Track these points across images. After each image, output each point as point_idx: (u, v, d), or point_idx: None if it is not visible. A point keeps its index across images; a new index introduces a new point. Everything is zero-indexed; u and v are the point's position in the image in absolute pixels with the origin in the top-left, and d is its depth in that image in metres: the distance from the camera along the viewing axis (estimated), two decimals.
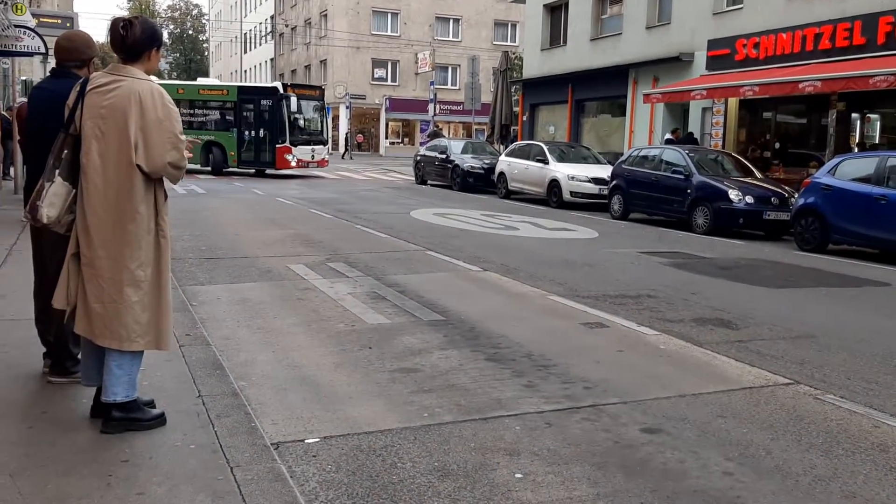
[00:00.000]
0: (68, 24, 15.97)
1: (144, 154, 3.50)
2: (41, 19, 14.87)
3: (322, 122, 27.65)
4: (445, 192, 22.42)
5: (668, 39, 21.58)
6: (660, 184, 15.48)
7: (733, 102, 19.59)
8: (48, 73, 4.68)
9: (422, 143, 35.02)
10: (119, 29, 3.56)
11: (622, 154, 19.18)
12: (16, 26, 12.45)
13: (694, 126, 20.61)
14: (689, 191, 14.62)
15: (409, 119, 52.32)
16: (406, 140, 52.69)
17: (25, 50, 13.12)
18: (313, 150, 26.28)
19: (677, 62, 20.84)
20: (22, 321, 5.01)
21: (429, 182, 25.45)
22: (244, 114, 26.21)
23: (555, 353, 5.67)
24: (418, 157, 26.67)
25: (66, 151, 3.59)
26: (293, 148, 25.31)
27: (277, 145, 25.28)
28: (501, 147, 26.15)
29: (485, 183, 22.37)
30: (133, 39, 3.57)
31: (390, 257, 9.86)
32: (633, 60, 22.56)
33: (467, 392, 4.72)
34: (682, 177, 14.86)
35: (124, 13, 78.55)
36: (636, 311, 7.22)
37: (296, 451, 3.75)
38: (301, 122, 26.32)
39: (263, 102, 25.68)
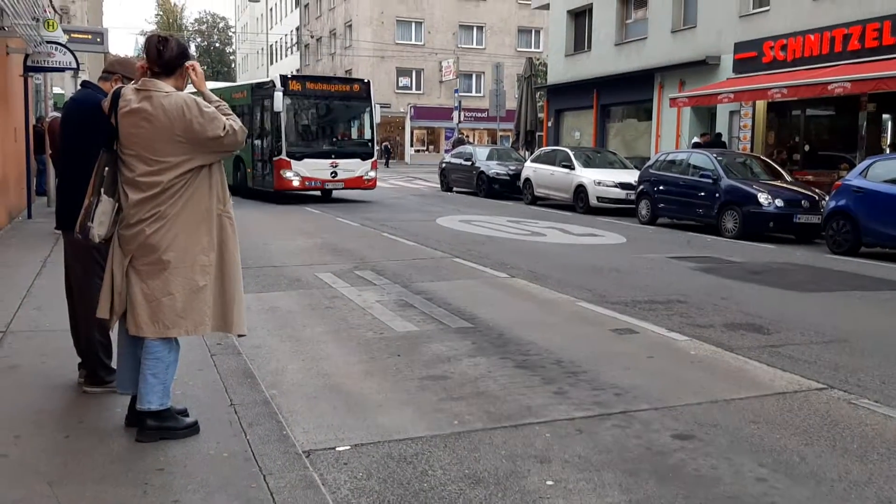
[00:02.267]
0: (98, 40, 16.24)
1: (203, 154, 3.64)
2: (72, 35, 15.11)
3: (369, 126, 19.96)
4: (471, 199, 22.42)
5: (694, 43, 21.44)
6: (688, 188, 15.35)
7: (761, 105, 19.40)
8: (78, 87, 4.83)
9: (446, 151, 35.01)
10: (156, 45, 3.70)
11: (648, 159, 19.08)
12: (48, 42, 12.67)
13: (722, 129, 20.43)
14: (717, 195, 14.49)
15: (433, 127, 52.39)
16: (431, 148, 52.76)
17: (57, 66, 13.35)
18: (335, 165, 18.91)
19: (703, 65, 20.70)
20: (57, 332, 5.10)
21: (454, 189, 25.46)
22: (255, 119, 20.10)
23: (584, 359, 5.65)
24: (444, 165, 26.66)
25: (106, 168, 3.68)
26: (293, 162, 18.50)
27: (274, 158, 18.82)
28: (527, 153, 26.11)
29: (510, 189, 22.32)
30: (170, 55, 3.70)
31: (417, 265, 9.88)
32: (659, 64, 22.44)
33: (497, 399, 4.72)
34: (710, 181, 14.72)
35: (152, 27, 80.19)
36: (666, 316, 7.17)
37: (327, 459, 3.77)
38: (313, 126, 19.89)
39: (266, 103, 19.45)
